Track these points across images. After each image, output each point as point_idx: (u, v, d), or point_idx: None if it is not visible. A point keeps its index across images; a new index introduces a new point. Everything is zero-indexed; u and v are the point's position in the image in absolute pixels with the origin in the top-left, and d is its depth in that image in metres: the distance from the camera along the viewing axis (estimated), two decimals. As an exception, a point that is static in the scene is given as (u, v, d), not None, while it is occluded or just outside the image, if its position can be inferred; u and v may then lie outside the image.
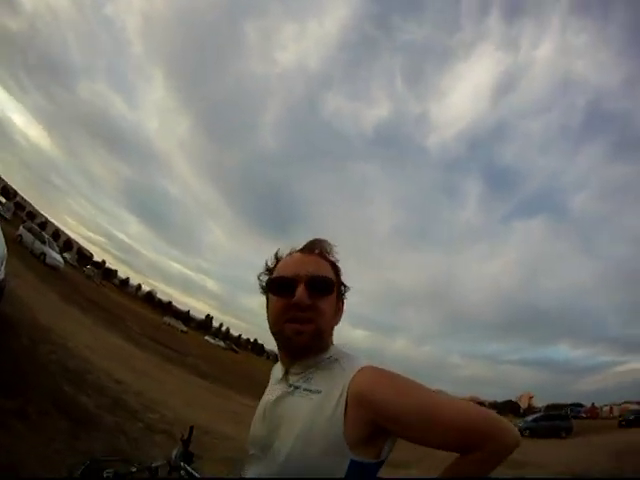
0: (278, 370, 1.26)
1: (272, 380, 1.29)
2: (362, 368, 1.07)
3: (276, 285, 1.20)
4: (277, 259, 1.29)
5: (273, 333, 1.20)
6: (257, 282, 1.31)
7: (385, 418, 0.99)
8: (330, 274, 1.22)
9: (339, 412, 1.01)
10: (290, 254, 1.27)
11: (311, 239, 1.28)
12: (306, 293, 1.12)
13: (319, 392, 1.08)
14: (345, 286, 1.28)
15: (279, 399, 1.15)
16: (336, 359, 1.16)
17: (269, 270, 1.30)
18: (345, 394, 1.03)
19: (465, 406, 1.01)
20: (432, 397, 1.00)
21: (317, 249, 1.25)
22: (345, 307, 1.28)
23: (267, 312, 1.24)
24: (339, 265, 1.28)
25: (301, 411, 1.06)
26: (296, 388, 1.13)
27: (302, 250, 1.26)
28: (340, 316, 1.26)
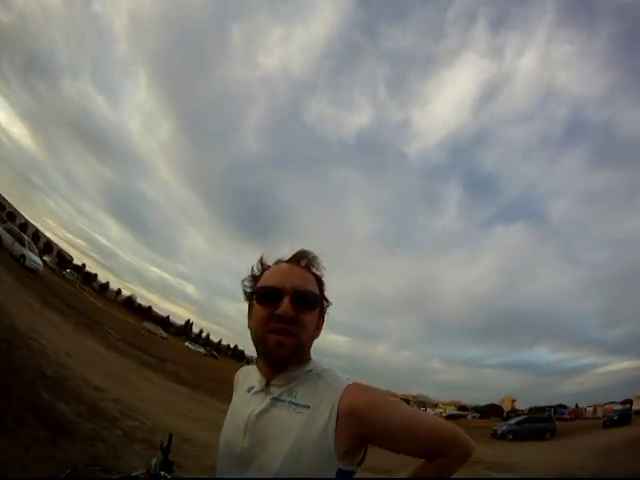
0: (253, 378, 1.26)
1: (243, 386, 1.29)
2: (350, 385, 1.13)
3: (261, 294, 1.21)
4: (263, 266, 1.30)
5: (255, 342, 1.21)
6: (239, 288, 1.32)
7: (373, 432, 1.10)
8: (315, 288, 1.24)
9: (330, 427, 1.06)
10: (277, 263, 1.28)
11: (299, 250, 1.29)
12: (291, 306, 1.14)
13: (307, 407, 1.10)
14: (327, 301, 1.30)
15: (263, 412, 1.13)
16: (318, 373, 1.19)
17: (254, 277, 1.30)
18: (336, 410, 1.07)
19: (434, 419, 1.20)
20: (410, 412, 1.19)
21: (304, 261, 1.26)
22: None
23: (249, 319, 1.26)
24: (323, 280, 1.30)
25: (290, 425, 1.08)
26: (280, 401, 1.13)
27: (289, 261, 1.27)
28: (320, 330, 1.28)
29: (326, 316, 1.30)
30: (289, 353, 1.13)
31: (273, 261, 1.30)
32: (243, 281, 1.32)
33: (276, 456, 1.05)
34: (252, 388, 1.23)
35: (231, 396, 1.36)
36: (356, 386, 1.14)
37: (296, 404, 1.12)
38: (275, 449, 1.06)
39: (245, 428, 1.13)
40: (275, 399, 1.15)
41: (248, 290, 1.31)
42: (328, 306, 1.30)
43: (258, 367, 1.25)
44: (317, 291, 1.25)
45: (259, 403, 1.16)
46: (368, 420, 1.09)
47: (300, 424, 1.07)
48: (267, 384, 1.19)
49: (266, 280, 1.23)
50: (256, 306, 1.21)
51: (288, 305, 1.13)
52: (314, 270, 1.28)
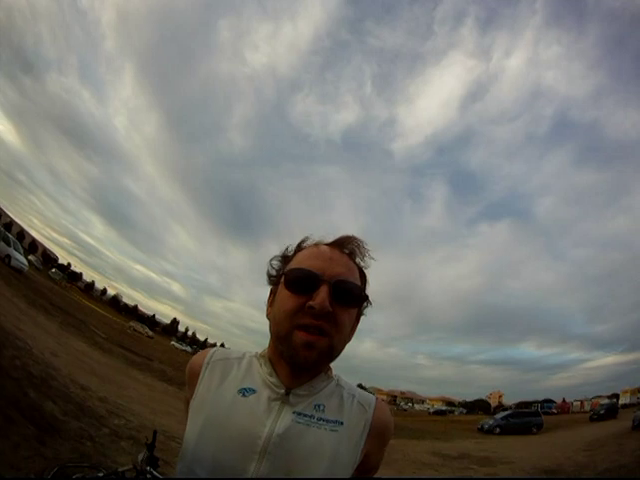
0: (249, 376, 1.00)
1: (228, 384, 0.99)
2: (378, 401, 1.04)
3: (292, 279, 0.96)
4: (299, 247, 1.07)
5: (275, 337, 0.97)
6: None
7: (379, 452, 1.02)
8: (358, 282, 1.01)
9: (361, 445, 0.95)
10: (316, 245, 1.04)
11: (345, 234, 1.05)
12: (328, 298, 0.90)
13: (340, 423, 0.94)
14: (369, 301, 1.05)
15: (288, 431, 0.89)
16: (339, 384, 1.03)
17: (285, 258, 1.07)
18: (368, 427, 0.97)
19: None
20: None
21: (349, 249, 1.03)
22: None
23: (269, 308, 1.04)
24: (367, 275, 1.07)
25: (324, 445, 0.90)
26: (307, 416, 0.93)
27: (331, 244, 1.03)
28: (353, 333, 1.04)
29: (362, 318, 1.08)
30: (317, 358, 0.91)
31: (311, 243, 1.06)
32: (271, 260, 1.08)
33: (309, 476, 0.86)
34: (250, 391, 0.97)
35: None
36: (382, 403, 1.05)
37: (327, 420, 0.94)
38: (305, 473, 0.86)
39: (264, 451, 0.87)
40: (300, 414, 0.93)
41: (274, 273, 1.07)
42: (367, 307, 1.06)
43: (266, 365, 1.00)
44: (360, 285, 1.02)
45: (276, 417, 0.92)
46: (387, 440, 1.03)
47: (334, 443, 0.91)
48: (287, 393, 0.95)
49: (300, 262, 0.99)
50: (283, 292, 0.96)
51: (325, 296, 0.90)
52: (359, 261, 1.05)
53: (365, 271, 1.06)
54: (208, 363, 1.04)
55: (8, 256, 23.92)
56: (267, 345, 1.05)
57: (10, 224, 68.63)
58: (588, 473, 10.78)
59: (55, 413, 5.82)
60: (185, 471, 0.91)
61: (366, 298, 1.03)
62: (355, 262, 1.03)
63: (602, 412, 29.28)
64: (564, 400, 52.86)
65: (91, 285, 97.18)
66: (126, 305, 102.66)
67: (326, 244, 1.03)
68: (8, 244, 24.59)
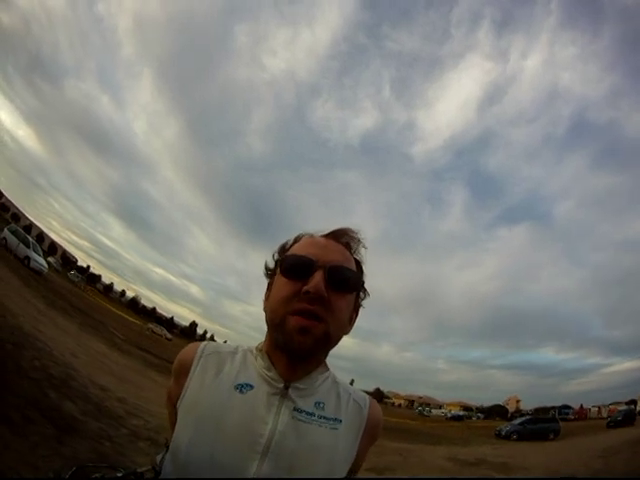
0: (244, 371, 0.97)
1: (223, 378, 0.95)
2: (371, 400, 1.05)
3: (288, 265, 0.96)
4: (296, 240, 1.07)
5: (271, 325, 0.96)
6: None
7: (370, 446, 1.03)
8: (354, 271, 1.01)
9: (357, 443, 0.96)
10: (312, 236, 1.05)
11: (341, 227, 1.07)
12: (323, 282, 0.89)
13: (339, 421, 0.94)
14: (366, 291, 1.06)
15: (290, 428, 0.87)
16: (334, 381, 1.02)
17: (283, 249, 1.07)
18: (364, 426, 0.98)
19: None
20: None
21: (345, 239, 1.04)
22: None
23: (266, 299, 1.02)
24: (364, 266, 1.08)
25: (324, 443, 0.89)
26: (307, 414, 0.91)
27: (327, 235, 1.04)
28: (352, 326, 1.03)
29: (361, 310, 1.07)
30: (312, 344, 0.88)
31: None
32: (273, 255, 1.08)
33: (309, 474, 0.85)
34: (247, 387, 0.93)
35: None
36: (375, 402, 1.06)
37: (327, 418, 0.93)
38: (305, 472, 0.85)
39: (266, 449, 0.84)
40: (300, 410, 0.91)
41: (271, 265, 1.07)
42: (365, 299, 1.07)
43: (263, 358, 0.98)
44: (357, 274, 1.03)
45: (276, 414, 0.89)
46: (376, 439, 1.04)
47: (334, 441, 0.91)
48: (286, 387, 0.93)
49: (296, 250, 1.00)
50: (279, 280, 0.97)
51: (320, 280, 0.89)
52: (355, 252, 1.06)
53: (361, 262, 1.07)
54: (200, 357, 0.99)
55: (27, 258, 24.33)
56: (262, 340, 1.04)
57: (30, 226, 69.81)
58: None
59: (74, 413, 5.84)
60: (178, 472, 0.87)
61: (362, 286, 1.05)
62: (351, 252, 1.04)
63: (619, 419, 28.86)
64: (582, 406, 52.04)
65: (110, 287, 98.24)
66: (144, 307, 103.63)
67: (322, 235, 1.04)
68: (27, 246, 25.02)
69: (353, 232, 1.06)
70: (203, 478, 0.83)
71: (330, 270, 0.92)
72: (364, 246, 1.07)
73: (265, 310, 0.99)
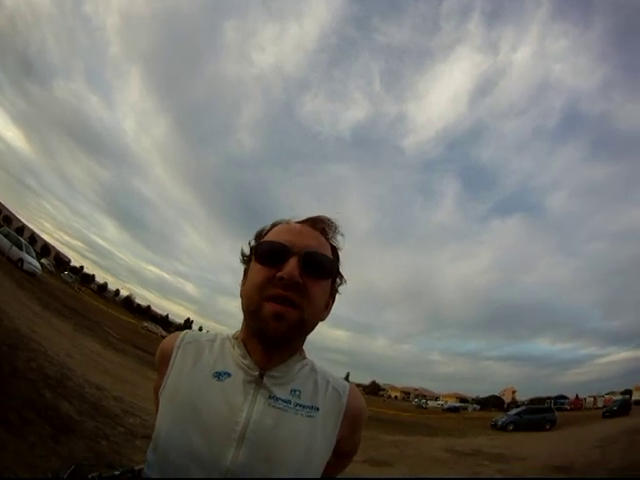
0: (221, 359, 0.97)
1: (202, 367, 0.96)
2: (352, 387, 1.04)
3: (263, 251, 0.96)
4: (272, 226, 1.07)
5: (246, 312, 0.96)
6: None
7: (352, 441, 1.03)
8: (330, 257, 1.01)
9: (336, 431, 0.96)
10: (287, 222, 1.05)
11: (317, 215, 1.07)
12: (298, 269, 0.90)
13: (316, 409, 0.94)
14: (342, 277, 1.07)
15: (265, 416, 0.88)
16: (312, 368, 1.02)
17: (258, 236, 1.07)
18: (342, 414, 0.97)
19: None
20: None
21: (321, 225, 1.04)
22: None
23: (242, 286, 1.02)
24: (340, 253, 1.08)
25: (300, 432, 0.90)
26: (283, 402, 0.91)
27: (303, 222, 1.04)
28: (328, 312, 1.04)
29: (337, 296, 1.08)
30: (287, 330, 0.88)
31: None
32: (250, 242, 1.08)
33: (282, 469, 0.85)
34: (225, 375, 0.94)
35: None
36: (356, 389, 1.05)
37: (303, 406, 0.93)
38: (281, 461, 0.86)
39: (242, 437, 0.85)
40: (276, 398, 0.92)
41: (247, 252, 1.07)
42: (341, 284, 1.08)
43: (239, 346, 0.98)
44: (332, 260, 1.02)
45: (252, 402, 0.90)
46: (360, 426, 1.04)
47: (311, 429, 0.91)
48: (261, 375, 0.93)
49: (271, 237, 1.00)
50: (254, 267, 0.96)
51: (295, 267, 0.90)
52: (331, 239, 1.06)
53: (337, 248, 1.07)
54: (179, 346, 1.00)
55: (21, 260, 24.15)
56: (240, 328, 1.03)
57: (22, 228, 69.32)
58: (600, 471, 10.68)
59: (70, 413, 5.86)
60: (159, 460, 0.88)
61: (338, 272, 1.05)
62: (327, 238, 1.04)
63: (615, 408, 29.22)
64: (577, 396, 52.48)
65: (104, 287, 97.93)
66: (139, 306, 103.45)
67: (297, 222, 1.04)
68: (20, 248, 24.82)
69: (329, 219, 1.06)
70: (179, 465, 0.84)
71: (305, 256, 0.92)
72: (340, 233, 1.07)
73: (241, 296, 0.99)
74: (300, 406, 0.93)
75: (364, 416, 1.05)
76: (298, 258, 0.91)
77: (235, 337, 1.02)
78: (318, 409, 0.94)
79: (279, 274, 0.89)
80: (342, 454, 1.01)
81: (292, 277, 0.88)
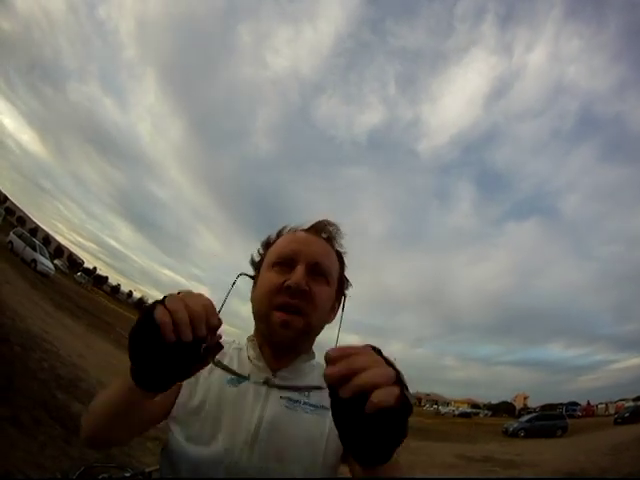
0: (234, 363, 1.01)
1: (211, 371, 0.98)
2: None
3: (271, 260, 1.02)
4: (278, 235, 1.12)
5: (256, 319, 1.02)
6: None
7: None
8: (335, 263, 1.06)
9: None
10: (294, 231, 1.10)
11: (320, 220, 1.11)
12: (305, 277, 0.95)
13: (326, 409, 0.91)
14: (347, 281, 1.12)
15: (278, 417, 0.91)
16: (322, 369, 0.97)
17: (267, 244, 1.12)
18: None
19: None
20: None
21: (325, 233, 1.09)
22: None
23: (253, 291, 1.07)
24: (345, 258, 1.13)
25: (313, 431, 0.92)
26: (294, 401, 0.95)
27: (308, 230, 1.09)
28: (335, 315, 1.08)
29: (349, 300, 1.11)
30: (294, 337, 0.93)
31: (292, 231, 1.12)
32: (259, 249, 1.14)
33: (295, 469, 0.87)
34: (238, 377, 0.98)
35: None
36: None
37: (313, 405, 0.96)
38: (294, 460, 0.88)
39: (255, 438, 0.88)
40: (287, 399, 0.95)
41: (257, 259, 1.13)
42: (347, 287, 1.12)
43: (254, 348, 1.03)
44: (337, 266, 1.08)
45: (264, 402, 0.93)
46: None
47: (322, 428, 0.93)
48: (273, 376, 0.98)
49: (279, 246, 1.05)
50: (263, 275, 1.02)
51: (301, 275, 0.94)
52: (335, 245, 1.10)
53: (341, 253, 1.11)
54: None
55: (34, 261, 24.43)
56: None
57: (35, 229, 69.96)
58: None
59: (82, 414, 5.87)
60: (171, 462, 0.90)
61: (343, 277, 1.11)
62: (331, 245, 1.08)
63: (627, 415, 28.59)
64: (589, 403, 51.82)
65: (117, 288, 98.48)
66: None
67: (304, 230, 1.09)
68: (34, 249, 25.11)
69: (333, 224, 1.11)
70: (191, 467, 0.86)
71: (310, 264, 0.97)
72: (343, 237, 1.11)
73: (252, 301, 1.05)
74: (310, 406, 0.96)
75: None
76: (304, 267, 0.97)
77: (250, 339, 1.07)
78: (328, 409, 0.90)
79: (287, 283, 0.94)
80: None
81: (299, 285, 0.93)
